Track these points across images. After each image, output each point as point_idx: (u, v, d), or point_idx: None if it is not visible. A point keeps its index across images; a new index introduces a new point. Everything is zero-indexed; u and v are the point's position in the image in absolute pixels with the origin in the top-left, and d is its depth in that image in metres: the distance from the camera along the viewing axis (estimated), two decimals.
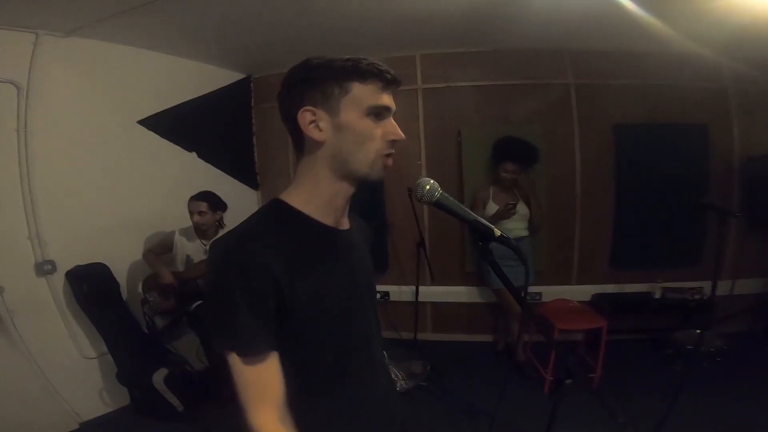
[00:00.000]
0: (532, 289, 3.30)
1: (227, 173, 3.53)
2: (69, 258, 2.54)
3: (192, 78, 3.25)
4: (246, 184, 3.73)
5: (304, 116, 0.78)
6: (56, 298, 2.53)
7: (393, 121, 0.82)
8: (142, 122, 2.91)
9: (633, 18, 2.38)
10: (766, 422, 2.25)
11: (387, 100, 0.80)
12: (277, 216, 0.82)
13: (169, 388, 2.64)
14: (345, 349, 0.85)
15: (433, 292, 3.51)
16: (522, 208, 2.93)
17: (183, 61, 3.14)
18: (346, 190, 0.84)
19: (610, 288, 3.40)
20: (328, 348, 0.82)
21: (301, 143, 0.82)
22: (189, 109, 3.17)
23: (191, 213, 2.63)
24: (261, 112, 3.81)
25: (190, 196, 2.67)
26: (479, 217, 0.85)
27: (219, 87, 3.45)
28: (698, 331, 2.92)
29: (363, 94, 0.77)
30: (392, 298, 3.65)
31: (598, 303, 3.25)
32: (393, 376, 1.08)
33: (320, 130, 0.78)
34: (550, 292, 3.29)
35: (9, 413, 2.32)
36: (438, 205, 0.85)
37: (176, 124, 3.09)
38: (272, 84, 3.73)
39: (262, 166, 3.87)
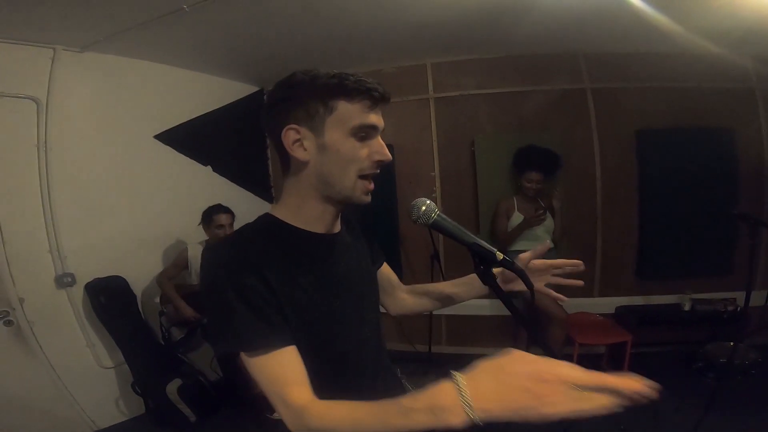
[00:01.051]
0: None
1: (242, 186, 3.57)
2: (88, 271, 2.60)
3: (206, 91, 3.32)
4: (261, 197, 3.76)
5: (288, 135, 0.76)
6: (75, 310, 2.59)
7: (380, 140, 0.79)
8: (158, 137, 2.98)
9: (651, 19, 2.31)
10: None
11: (374, 119, 0.77)
12: (266, 226, 0.81)
13: (182, 399, 2.68)
14: (341, 352, 0.84)
15: None
16: (547, 219, 2.83)
17: (197, 75, 3.21)
18: (332, 210, 0.82)
19: (636, 300, 3.24)
20: (323, 351, 0.80)
21: (286, 161, 0.80)
22: (204, 123, 3.24)
23: (214, 226, 2.67)
24: None
25: (206, 210, 2.72)
26: (480, 240, 0.79)
27: (232, 100, 3.52)
28: (731, 343, 2.74)
29: (349, 112, 0.74)
30: None
31: (622, 316, 3.11)
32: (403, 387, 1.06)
33: (305, 150, 0.76)
34: (572, 305, 3.12)
35: (27, 421, 2.36)
36: (435, 226, 0.81)
37: (191, 138, 3.15)
38: None
39: (277, 179, 3.90)
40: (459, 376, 0.57)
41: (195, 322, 2.80)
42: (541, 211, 2.69)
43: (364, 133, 0.76)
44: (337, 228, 0.88)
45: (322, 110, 0.74)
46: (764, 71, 3.04)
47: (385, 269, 1.11)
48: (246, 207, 2.90)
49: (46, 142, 2.38)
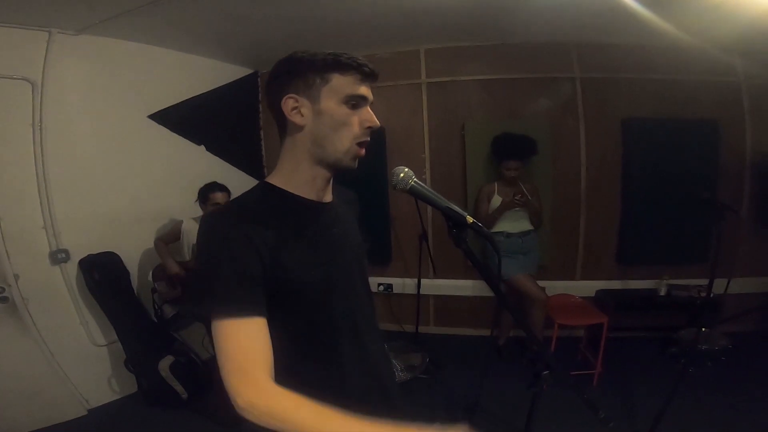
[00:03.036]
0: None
1: (235, 166, 3.61)
2: (82, 247, 2.64)
3: (201, 74, 3.32)
4: (253, 176, 3.78)
5: (287, 103, 0.83)
6: (69, 286, 2.63)
7: (369, 109, 0.86)
8: (152, 117, 2.99)
9: (642, 13, 2.35)
10: (762, 421, 2.24)
11: (364, 90, 0.85)
12: (260, 194, 0.88)
13: (175, 376, 2.73)
14: (329, 318, 0.89)
15: (435, 285, 3.54)
16: (529, 202, 2.92)
17: (192, 57, 3.21)
18: (323, 174, 0.89)
19: (615, 284, 3.38)
20: (312, 317, 0.86)
21: (284, 128, 0.88)
22: (198, 104, 3.25)
23: (210, 203, 2.69)
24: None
25: (202, 187, 2.73)
26: (452, 204, 0.87)
27: (227, 82, 3.52)
28: (703, 329, 2.88)
29: (342, 84, 0.82)
30: (395, 290, 3.69)
31: (601, 299, 3.24)
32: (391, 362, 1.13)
33: (302, 116, 0.84)
34: (555, 287, 3.27)
35: (20, 399, 2.40)
36: (412, 192, 0.88)
37: (185, 119, 3.16)
38: None
39: (270, 158, 3.94)
40: None
41: (186, 299, 2.80)
42: (519, 196, 2.78)
43: (355, 101, 0.84)
44: (328, 198, 0.95)
45: (319, 81, 0.82)
46: (750, 67, 3.11)
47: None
48: (239, 185, 2.86)
49: (41, 121, 2.40)
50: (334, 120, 0.83)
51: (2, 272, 2.35)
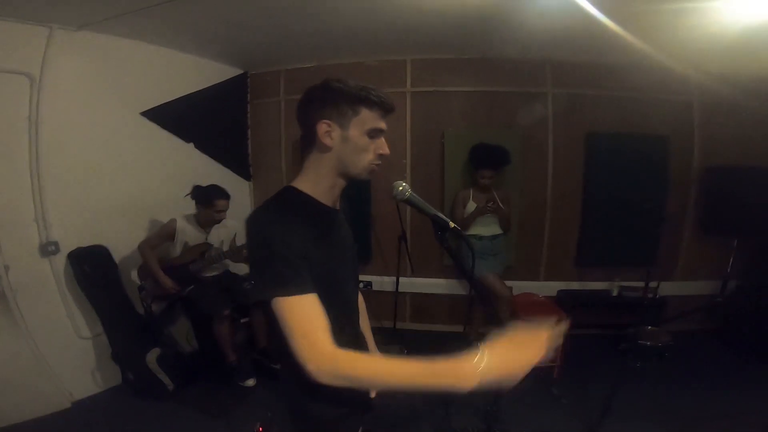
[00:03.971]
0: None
1: (222, 164, 3.70)
2: (71, 240, 2.68)
3: (193, 73, 3.39)
4: (239, 174, 3.90)
5: (321, 127, 1.00)
6: (57, 279, 2.67)
7: (384, 139, 1.06)
8: (145, 114, 3.06)
9: (609, 32, 2.52)
10: (697, 411, 2.56)
11: (383, 124, 1.04)
12: (292, 198, 1.05)
13: (162, 368, 2.79)
14: (337, 303, 1.07)
15: (412, 284, 3.75)
16: (499, 209, 3.16)
17: (185, 57, 3.28)
18: (341, 184, 1.09)
19: (574, 285, 3.70)
20: (327, 300, 1.00)
21: (312, 144, 1.05)
22: (189, 103, 3.33)
23: (214, 209, 2.80)
24: (256, 107, 3.97)
25: (204, 190, 2.83)
26: (438, 213, 1.09)
27: (218, 82, 3.60)
28: (649, 327, 3.23)
29: (368, 118, 1.01)
30: (374, 287, 3.88)
31: (561, 298, 3.55)
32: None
33: (331, 139, 1.01)
34: (521, 287, 3.55)
35: (5, 391, 2.41)
36: (408, 201, 1.09)
37: (176, 117, 3.24)
38: (267, 81, 3.88)
39: (255, 158, 4.04)
40: (483, 352, 0.80)
41: (174, 295, 2.91)
42: (491, 203, 3.03)
43: (375, 134, 1.03)
44: (338, 205, 1.14)
45: (350, 113, 1.00)
46: (704, 85, 3.39)
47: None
48: (224, 183, 2.99)
49: (37, 116, 2.44)
50: (357, 147, 1.02)
51: None
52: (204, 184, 2.91)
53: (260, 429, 2.29)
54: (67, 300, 2.72)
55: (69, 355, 2.72)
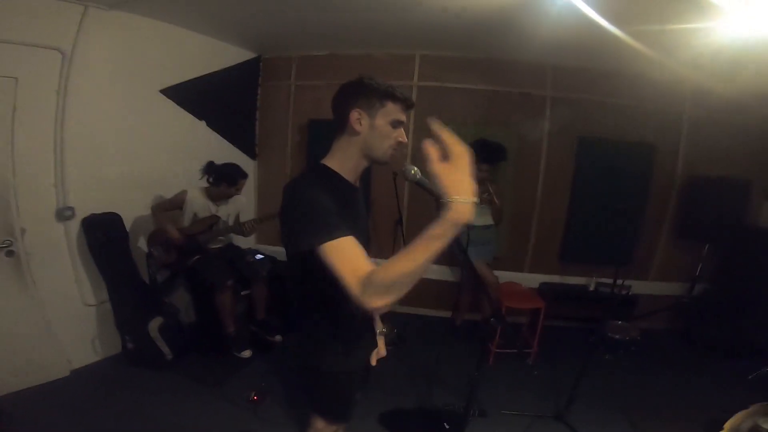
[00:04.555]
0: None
1: (231, 142, 3.83)
2: (87, 207, 2.79)
3: (210, 54, 3.50)
4: (245, 153, 4.02)
5: (354, 114, 1.20)
6: (70, 244, 2.76)
7: (403, 129, 1.25)
8: (163, 91, 3.17)
9: (609, 40, 2.60)
10: (655, 400, 2.82)
11: (404, 117, 1.25)
12: (324, 172, 1.26)
13: (162, 337, 2.90)
14: None
15: None
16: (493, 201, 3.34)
17: (204, 38, 3.38)
18: (364, 164, 1.29)
19: (555, 278, 3.97)
20: None
21: (343, 128, 1.24)
22: (204, 83, 3.44)
23: (235, 187, 3.00)
24: (266, 90, 4.08)
25: (229, 169, 2.99)
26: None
27: (232, 64, 3.70)
28: (619, 322, 3.51)
29: (392, 110, 1.21)
30: None
31: (543, 290, 3.81)
32: None
33: (360, 125, 1.21)
34: (507, 277, 3.77)
35: (7, 357, 2.46)
36: (418, 183, 1.25)
37: (191, 95, 3.35)
38: (279, 65, 3.99)
39: (261, 138, 4.16)
40: (451, 196, 0.87)
41: (179, 265, 3.06)
42: (486, 195, 3.23)
43: (397, 124, 1.23)
44: (358, 183, 1.33)
45: (378, 105, 1.20)
46: (695, 96, 3.60)
47: None
48: (231, 160, 3.14)
49: (66, 88, 2.54)
50: (382, 134, 1.22)
51: (11, 226, 2.46)
52: (215, 160, 3.03)
53: (254, 398, 2.52)
54: (77, 266, 2.81)
55: (72, 321, 2.80)
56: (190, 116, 3.42)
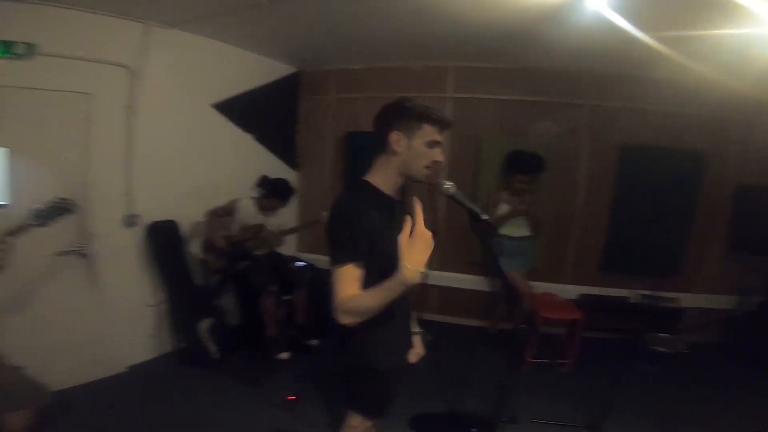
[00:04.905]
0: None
1: (274, 154, 4.07)
2: (150, 214, 3.05)
3: (254, 70, 3.76)
4: (288, 164, 4.26)
5: (393, 135, 1.30)
6: (134, 248, 3.03)
7: (439, 149, 1.33)
8: (215, 106, 3.44)
9: (645, 46, 2.58)
10: (695, 413, 2.71)
11: (440, 137, 1.32)
12: (367, 188, 1.36)
13: (211, 337, 3.10)
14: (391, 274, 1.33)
15: (441, 277, 3.97)
16: (530, 212, 3.34)
17: (249, 54, 3.64)
18: (402, 181, 1.38)
19: (596, 290, 3.85)
20: (384, 276, 1.25)
21: (383, 147, 1.34)
22: (249, 97, 3.69)
23: (286, 201, 3.22)
24: (307, 104, 4.31)
25: (284, 185, 3.23)
26: (474, 206, 1.32)
27: (274, 79, 3.95)
28: (665, 334, 3.38)
29: (428, 132, 1.29)
30: None
31: (582, 301, 3.72)
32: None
33: (399, 146, 1.30)
34: (544, 288, 3.69)
35: (71, 352, 2.64)
36: (452, 197, 1.33)
37: (239, 110, 3.61)
38: (318, 79, 4.21)
39: (302, 150, 4.38)
40: (405, 263, 1.10)
41: (229, 270, 3.27)
42: (522, 207, 3.24)
43: (433, 145, 1.31)
44: (398, 197, 1.42)
45: (415, 127, 1.28)
46: (740, 102, 3.39)
47: None
48: (275, 172, 3.42)
49: (133, 104, 2.83)
50: (418, 154, 1.30)
51: (84, 231, 2.70)
52: (260, 171, 3.29)
53: (291, 398, 2.63)
54: (139, 269, 3.07)
55: (132, 321, 3.03)
56: (239, 130, 3.68)
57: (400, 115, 1.30)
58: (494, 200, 3.41)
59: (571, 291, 3.83)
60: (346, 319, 1.22)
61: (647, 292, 3.65)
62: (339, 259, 1.24)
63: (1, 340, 1.93)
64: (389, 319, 1.41)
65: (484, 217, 1.33)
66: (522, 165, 3.34)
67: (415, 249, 1.12)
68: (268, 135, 3.94)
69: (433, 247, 1.13)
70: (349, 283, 1.23)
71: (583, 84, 3.68)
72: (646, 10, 2.20)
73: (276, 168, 3.86)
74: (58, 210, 1.76)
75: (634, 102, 3.60)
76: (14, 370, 1.85)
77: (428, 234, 1.14)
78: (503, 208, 3.34)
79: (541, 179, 3.53)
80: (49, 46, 2.41)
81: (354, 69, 4.04)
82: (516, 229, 3.36)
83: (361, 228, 1.24)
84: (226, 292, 3.57)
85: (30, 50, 2.33)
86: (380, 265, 1.27)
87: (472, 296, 4.02)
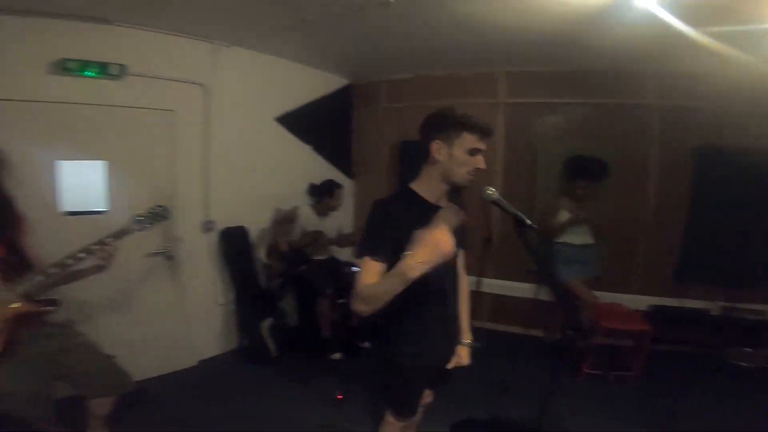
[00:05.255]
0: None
1: (332, 164, 4.29)
2: (224, 220, 3.35)
3: (311, 83, 4.01)
4: (344, 173, 4.44)
5: (434, 145, 1.36)
6: (210, 252, 3.33)
7: (481, 156, 1.37)
8: (277, 119, 3.72)
9: (703, 42, 2.44)
10: None
11: (481, 145, 1.36)
12: (405, 194, 1.44)
13: (271, 335, 3.30)
14: (426, 281, 1.32)
15: (495, 284, 3.88)
16: (592, 219, 3.21)
17: (305, 69, 3.89)
18: (444, 188, 1.42)
19: (670, 301, 3.55)
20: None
21: (426, 156, 1.41)
22: (308, 110, 3.95)
23: (334, 198, 3.37)
24: (360, 114, 4.50)
25: (328, 183, 3.41)
26: (518, 212, 1.34)
27: (329, 92, 4.18)
28: (749, 349, 3.04)
29: (468, 140, 1.33)
30: None
31: (654, 312, 3.46)
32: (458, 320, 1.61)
33: (440, 155, 1.36)
34: (610, 298, 3.49)
35: (151, 345, 2.90)
36: (494, 202, 1.36)
37: (299, 122, 3.86)
38: (369, 90, 4.40)
39: (357, 159, 4.57)
40: (409, 255, 1.13)
41: (289, 273, 3.48)
42: (583, 213, 3.11)
43: (473, 152, 1.35)
44: (442, 203, 1.46)
45: (455, 136, 1.33)
46: None
47: (461, 256, 1.72)
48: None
49: (207, 119, 3.16)
50: (459, 162, 1.35)
51: (172, 235, 3.02)
52: (318, 181, 3.47)
53: (339, 397, 2.75)
54: (213, 270, 3.36)
55: (206, 318, 3.30)
56: (299, 142, 3.93)
57: (440, 124, 1.36)
58: (553, 207, 3.29)
59: (640, 301, 3.57)
60: (359, 306, 1.26)
61: (729, 305, 3.30)
62: (359, 253, 1.33)
63: (97, 332, 2.15)
64: (419, 318, 1.45)
65: (529, 222, 1.34)
66: (582, 171, 3.21)
67: (424, 245, 1.13)
68: (325, 145, 4.17)
69: (444, 253, 1.14)
70: (366, 275, 1.29)
71: (647, 84, 3.47)
72: (699, 6, 2.09)
73: (333, 177, 4.03)
74: (156, 216, 1.99)
75: (707, 101, 3.31)
76: (107, 358, 2.01)
77: (445, 238, 1.13)
78: (563, 216, 3.22)
79: (603, 185, 3.37)
80: (137, 66, 2.74)
81: (404, 79, 4.16)
82: (577, 237, 3.21)
83: (385, 228, 1.32)
84: (287, 295, 3.77)
85: (122, 71, 2.67)
86: None
87: (528, 305, 3.88)
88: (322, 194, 3.39)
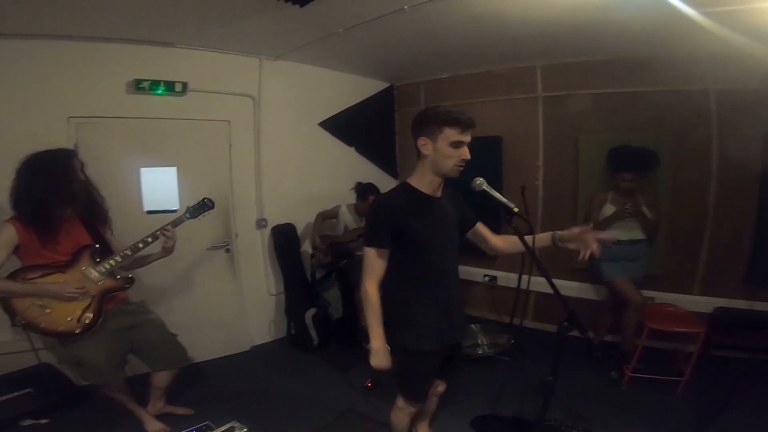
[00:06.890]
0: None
1: (376, 164, 4.50)
2: (274, 218, 3.71)
3: (352, 88, 4.24)
4: (389, 173, 4.64)
5: (420, 141, 1.51)
6: (263, 246, 3.71)
7: (466, 148, 1.47)
8: (321, 124, 4.01)
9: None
10: None
11: (463, 137, 1.46)
12: (403, 188, 1.60)
13: (314, 324, 3.57)
14: (426, 265, 1.57)
15: (538, 282, 3.73)
16: (642, 212, 3.03)
17: (346, 76, 4.14)
18: (438, 180, 1.56)
19: (739, 303, 3.19)
20: (417, 261, 1.54)
21: (418, 152, 1.56)
22: (350, 114, 4.19)
23: (366, 201, 3.50)
24: (402, 115, 4.66)
25: (363, 187, 3.59)
26: (506, 200, 1.43)
27: (371, 95, 4.39)
28: None
29: (450, 134, 1.46)
30: (500, 282, 4.10)
31: (718, 315, 3.14)
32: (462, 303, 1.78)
33: (427, 150, 1.50)
34: (666, 299, 3.29)
35: (213, 329, 3.30)
36: (484, 192, 1.47)
37: (341, 125, 4.12)
38: (409, 91, 4.53)
39: (401, 160, 4.73)
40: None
41: (333, 265, 3.73)
42: (628, 208, 2.94)
43: (457, 145, 1.46)
44: (439, 194, 1.61)
45: (437, 131, 1.47)
46: None
47: (480, 227, 1.80)
48: (377, 180, 3.73)
49: (258, 128, 3.54)
50: (444, 155, 1.48)
51: (230, 230, 3.46)
52: (362, 181, 3.67)
53: (369, 384, 2.91)
54: (266, 263, 3.74)
55: (259, 307, 3.65)
56: (343, 144, 4.20)
57: (423, 122, 1.49)
58: (599, 201, 3.16)
59: (701, 303, 3.27)
60: (362, 294, 1.56)
61: None
62: (364, 243, 1.55)
63: (164, 314, 2.52)
64: (421, 301, 1.59)
65: (516, 210, 1.42)
66: (627, 162, 3.04)
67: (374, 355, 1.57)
68: (368, 147, 4.39)
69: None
70: (371, 262, 1.53)
71: (703, 67, 3.14)
72: None
73: (377, 177, 4.24)
74: (203, 206, 2.38)
75: None
76: (171, 335, 2.38)
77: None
78: (608, 209, 3.08)
79: (656, 177, 3.15)
80: (196, 83, 3.15)
81: (441, 78, 4.23)
82: (625, 232, 3.03)
83: (384, 220, 1.50)
84: (331, 287, 4.05)
85: (184, 88, 3.09)
86: (408, 250, 1.53)
87: (578, 305, 3.72)
88: (360, 196, 3.61)
